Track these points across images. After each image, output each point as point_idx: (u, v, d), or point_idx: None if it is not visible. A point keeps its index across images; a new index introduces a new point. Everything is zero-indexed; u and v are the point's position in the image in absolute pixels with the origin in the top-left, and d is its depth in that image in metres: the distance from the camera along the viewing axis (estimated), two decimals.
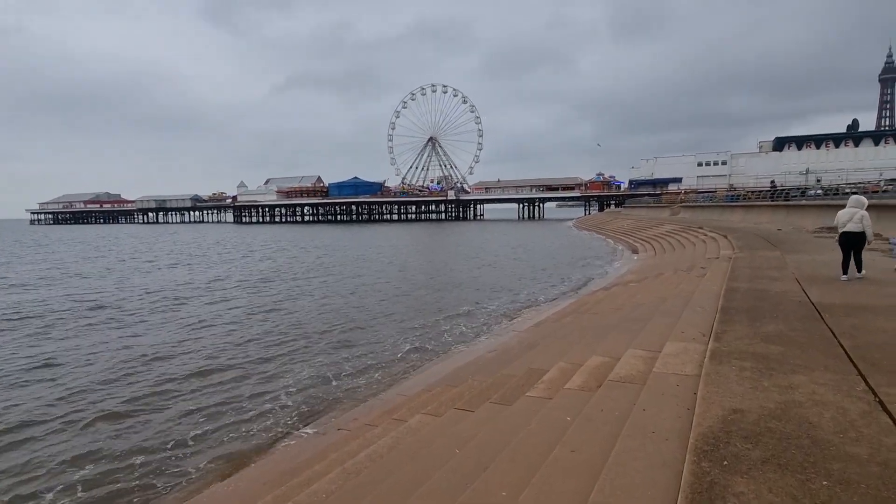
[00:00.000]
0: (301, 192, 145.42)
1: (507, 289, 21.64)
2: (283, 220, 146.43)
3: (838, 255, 14.68)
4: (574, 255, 36.22)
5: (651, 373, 5.46)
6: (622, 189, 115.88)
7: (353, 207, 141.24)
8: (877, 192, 36.46)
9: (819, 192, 46.07)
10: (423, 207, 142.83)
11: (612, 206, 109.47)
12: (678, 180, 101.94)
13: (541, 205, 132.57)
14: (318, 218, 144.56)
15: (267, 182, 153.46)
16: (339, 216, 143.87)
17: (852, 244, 10.16)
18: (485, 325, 14.94)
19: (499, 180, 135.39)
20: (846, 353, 5.23)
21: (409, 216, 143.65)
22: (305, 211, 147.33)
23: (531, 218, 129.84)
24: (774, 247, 17.65)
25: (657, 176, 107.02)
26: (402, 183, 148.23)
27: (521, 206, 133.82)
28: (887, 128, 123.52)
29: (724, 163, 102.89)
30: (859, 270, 10.30)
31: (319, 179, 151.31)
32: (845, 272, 10.24)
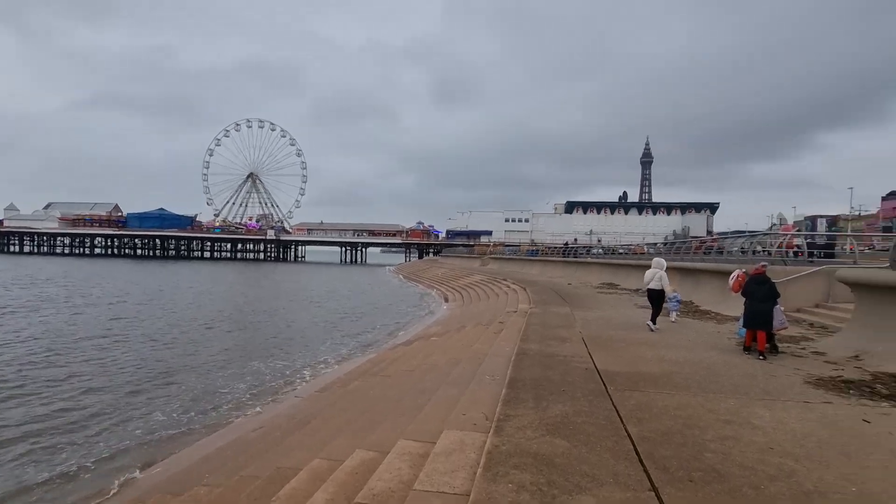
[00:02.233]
0: (93, 221, 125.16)
1: (311, 340, 19.38)
2: (68, 251, 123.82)
3: (618, 311, 15.47)
4: (389, 303, 35.14)
5: (412, 489, 3.98)
6: (440, 238, 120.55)
7: (158, 241, 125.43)
8: (642, 253, 42.02)
9: (600, 251, 52.10)
10: (239, 246, 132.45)
11: (431, 254, 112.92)
12: (489, 233, 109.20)
13: (363, 249, 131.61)
14: (113, 251, 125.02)
15: (48, 206, 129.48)
16: (139, 250, 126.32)
17: (655, 299, 11.76)
18: (268, 388, 12.55)
19: (322, 222, 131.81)
20: (634, 447, 4.33)
21: (224, 254, 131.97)
22: (97, 242, 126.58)
23: (353, 262, 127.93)
24: (565, 301, 18.25)
25: (471, 228, 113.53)
26: (217, 218, 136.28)
27: (343, 249, 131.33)
28: (647, 201, 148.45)
29: (526, 220, 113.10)
30: (653, 322, 11.64)
31: (117, 208, 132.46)
32: (653, 321, 11.68)
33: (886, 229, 60.54)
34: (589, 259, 41.64)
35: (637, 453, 4.21)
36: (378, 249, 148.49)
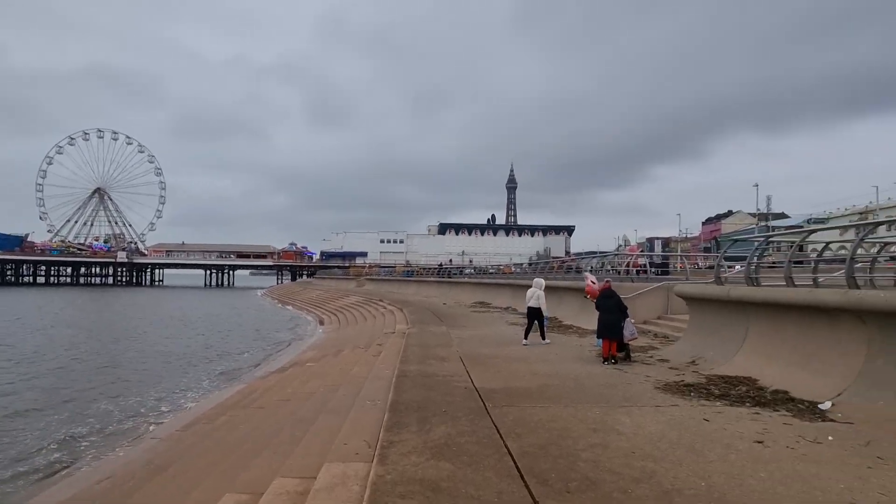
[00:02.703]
0: None
1: (169, 372, 17.49)
2: None
3: (491, 329, 16.02)
4: (259, 328, 33.08)
5: None
6: (314, 260, 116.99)
7: None
8: (510, 272, 44.29)
9: (472, 271, 53.97)
10: (83, 270, 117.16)
11: (305, 276, 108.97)
12: (364, 254, 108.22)
13: (231, 272, 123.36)
14: None
15: None
16: None
17: (534, 316, 12.51)
18: (118, 430, 11.04)
19: (183, 243, 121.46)
20: (515, 463, 4.42)
21: (63, 279, 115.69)
22: None
23: (220, 286, 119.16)
24: (441, 321, 18.52)
25: (346, 249, 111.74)
26: (55, 238, 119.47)
27: (208, 272, 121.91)
28: (513, 223, 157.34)
29: (401, 241, 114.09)
30: (543, 338, 12.44)
31: None
32: (526, 337, 12.42)
33: (706, 249, 70.31)
34: (462, 279, 42.89)
35: (518, 469, 4.30)
36: (247, 272, 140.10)
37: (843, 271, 7.27)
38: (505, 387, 7.59)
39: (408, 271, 66.90)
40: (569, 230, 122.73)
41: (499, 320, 19.04)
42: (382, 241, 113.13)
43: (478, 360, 9.99)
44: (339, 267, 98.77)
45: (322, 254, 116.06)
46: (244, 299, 70.06)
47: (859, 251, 9.12)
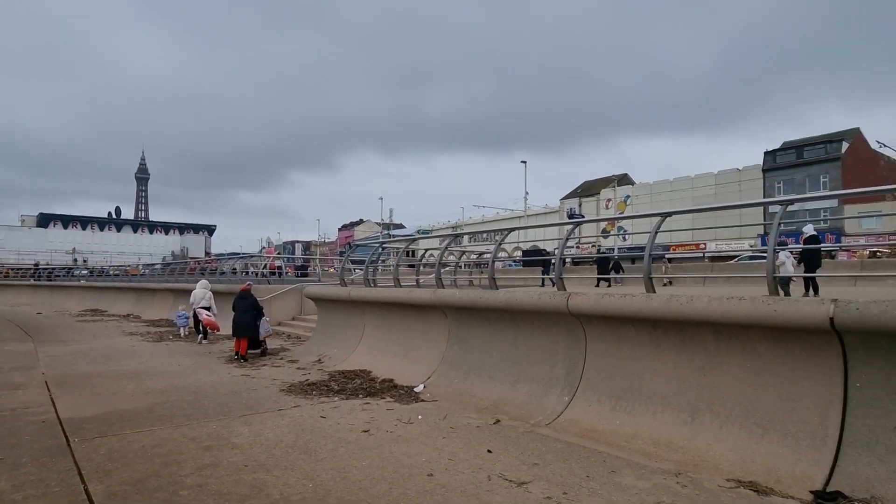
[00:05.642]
0: None
1: None
2: None
3: (102, 342, 13.24)
4: None
5: None
6: None
7: None
8: (137, 274, 38.10)
9: (86, 272, 44.14)
10: None
11: None
12: None
13: None
14: None
15: None
16: None
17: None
18: None
19: None
20: None
21: None
22: None
23: None
24: (29, 336, 14.29)
25: None
26: None
27: None
28: (143, 219, 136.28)
29: None
30: (206, 338, 12.72)
31: None
32: (205, 337, 12.76)
33: (342, 254, 76.31)
34: (70, 282, 34.63)
35: None
36: None
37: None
38: (105, 412, 6.18)
39: None
40: (209, 229, 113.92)
41: (115, 330, 15.92)
42: None
43: (73, 383, 7.94)
44: None
45: None
46: None
47: (451, 257, 11.19)
